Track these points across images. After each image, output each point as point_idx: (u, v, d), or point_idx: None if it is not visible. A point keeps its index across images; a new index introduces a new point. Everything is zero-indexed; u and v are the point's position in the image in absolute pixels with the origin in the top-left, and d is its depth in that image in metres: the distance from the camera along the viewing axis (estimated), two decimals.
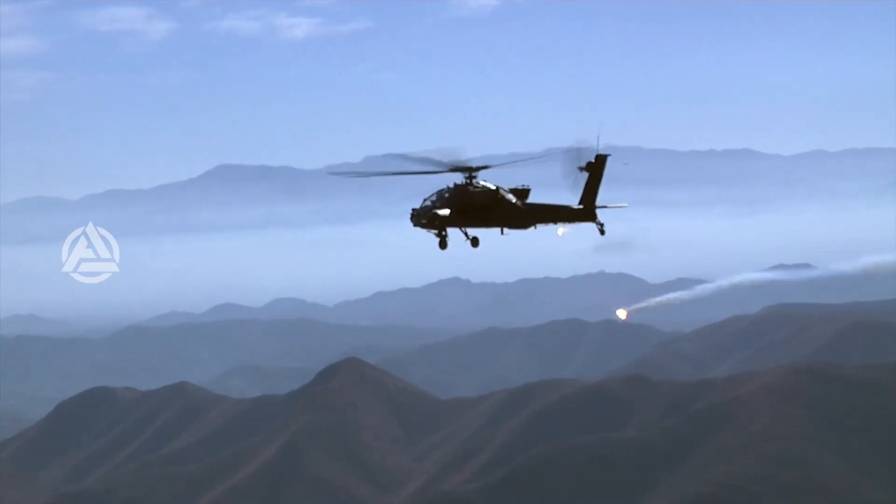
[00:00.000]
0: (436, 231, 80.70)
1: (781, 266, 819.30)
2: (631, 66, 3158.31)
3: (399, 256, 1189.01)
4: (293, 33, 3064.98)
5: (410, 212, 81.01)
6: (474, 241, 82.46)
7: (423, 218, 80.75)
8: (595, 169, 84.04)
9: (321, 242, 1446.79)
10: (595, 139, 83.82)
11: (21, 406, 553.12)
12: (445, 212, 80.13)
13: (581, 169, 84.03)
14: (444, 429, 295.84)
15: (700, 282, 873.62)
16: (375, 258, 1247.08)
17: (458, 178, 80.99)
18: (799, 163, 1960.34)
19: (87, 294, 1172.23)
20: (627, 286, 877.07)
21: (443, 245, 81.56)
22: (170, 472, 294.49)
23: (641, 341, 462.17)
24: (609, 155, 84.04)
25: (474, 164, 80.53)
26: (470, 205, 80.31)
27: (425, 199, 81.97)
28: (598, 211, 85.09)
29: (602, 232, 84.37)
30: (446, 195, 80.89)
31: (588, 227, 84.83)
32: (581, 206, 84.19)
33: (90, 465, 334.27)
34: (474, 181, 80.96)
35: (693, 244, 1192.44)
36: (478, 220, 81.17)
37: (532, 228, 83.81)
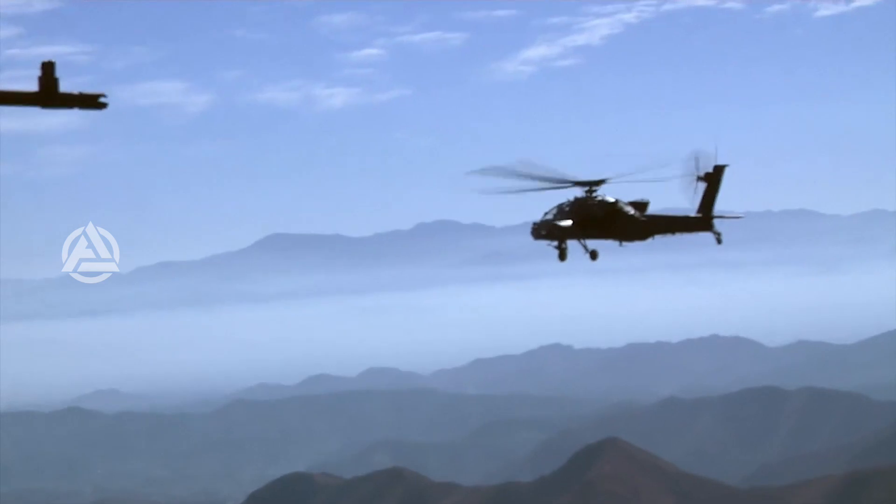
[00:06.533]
0: (556, 243, 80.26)
1: None
2: (669, 127, 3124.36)
3: (487, 323, 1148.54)
4: (331, 103, 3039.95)
5: (531, 226, 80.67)
6: (593, 255, 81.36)
7: (544, 230, 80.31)
8: (713, 179, 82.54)
9: (387, 309, 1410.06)
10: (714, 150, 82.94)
11: (152, 491, 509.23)
12: (567, 223, 79.79)
13: (699, 178, 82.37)
14: None
15: (824, 345, 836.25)
16: (456, 324, 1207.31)
17: (578, 192, 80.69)
18: (859, 222, 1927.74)
19: (160, 365, 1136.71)
20: (745, 350, 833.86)
21: (562, 257, 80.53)
22: None
23: (862, 414, 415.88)
24: (727, 165, 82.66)
25: (595, 179, 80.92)
26: (590, 217, 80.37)
27: (546, 213, 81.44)
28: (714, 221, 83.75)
29: (719, 241, 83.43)
30: (566, 208, 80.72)
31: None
32: (699, 216, 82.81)
33: None
34: (594, 194, 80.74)
35: (793, 305, 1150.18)
36: (598, 232, 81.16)
37: (650, 239, 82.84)
